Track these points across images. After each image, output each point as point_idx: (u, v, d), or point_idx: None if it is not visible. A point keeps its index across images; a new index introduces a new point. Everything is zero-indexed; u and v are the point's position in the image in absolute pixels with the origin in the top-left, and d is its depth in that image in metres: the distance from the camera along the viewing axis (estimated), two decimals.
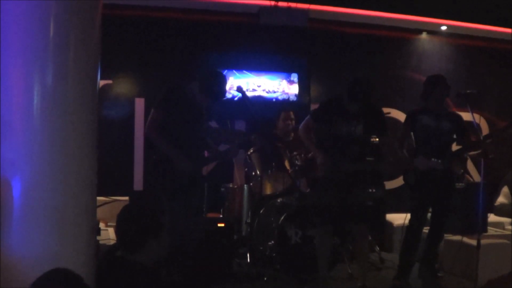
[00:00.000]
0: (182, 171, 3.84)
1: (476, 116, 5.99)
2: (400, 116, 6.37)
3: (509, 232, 5.38)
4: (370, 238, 5.43)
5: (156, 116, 3.91)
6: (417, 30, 7.03)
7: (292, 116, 5.62)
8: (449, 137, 4.51)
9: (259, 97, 6.22)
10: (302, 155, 5.06)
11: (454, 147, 4.73)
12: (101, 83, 3.03)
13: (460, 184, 5.19)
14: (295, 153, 5.12)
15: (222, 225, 4.73)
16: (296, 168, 5.06)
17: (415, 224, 4.46)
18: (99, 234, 4.26)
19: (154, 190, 4.08)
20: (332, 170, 4.15)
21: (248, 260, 4.95)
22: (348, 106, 4.19)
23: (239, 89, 4.66)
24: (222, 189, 5.52)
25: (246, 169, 5.49)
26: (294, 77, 6.38)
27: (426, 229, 4.62)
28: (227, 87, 6.12)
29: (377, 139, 4.11)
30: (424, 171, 4.34)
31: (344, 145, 4.16)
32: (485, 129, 7.01)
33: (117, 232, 2.51)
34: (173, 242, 3.23)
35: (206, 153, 4.48)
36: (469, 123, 4.87)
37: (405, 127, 4.60)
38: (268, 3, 5.96)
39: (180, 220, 3.71)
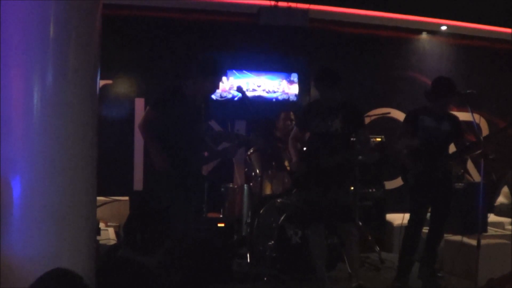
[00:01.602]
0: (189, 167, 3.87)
1: (476, 116, 5.99)
2: (400, 116, 6.37)
3: (509, 232, 5.38)
4: (370, 238, 5.44)
5: (150, 114, 3.98)
6: (417, 30, 7.03)
7: (292, 117, 5.62)
8: (448, 139, 4.50)
9: (259, 97, 6.22)
10: None
11: (451, 147, 4.73)
12: (101, 83, 3.03)
13: (460, 184, 5.18)
14: None
15: (222, 225, 4.73)
16: None
17: (414, 224, 4.45)
18: (99, 234, 4.26)
19: (157, 190, 4.05)
20: (306, 166, 4.19)
21: (248, 260, 4.95)
22: (324, 101, 4.23)
23: (239, 89, 4.65)
24: (222, 189, 5.52)
25: (246, 169, 5.49)
26: (294, 77, 6.38)
27: (425, 229, 4.62)
28: (227, 87, 6.15)
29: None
30: (423, 171, 4.34)
31: (321, 140, 4.20)
32: (485, 129, 7.02)
33: (125, 231, 2.52)
34: (175, 242, 3.24)
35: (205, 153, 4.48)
36: (469, 123, 4.86)
37: (406, 126, 4.57)
38: (268, 3, 5.96)
39: (181, 220, 3.72)
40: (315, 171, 4.19)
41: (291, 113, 5.65)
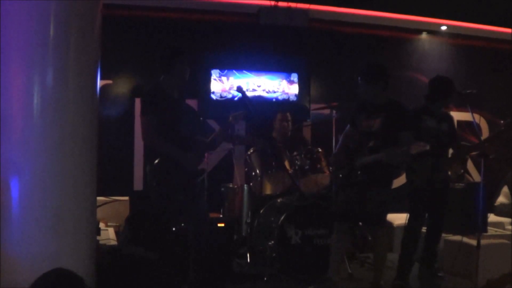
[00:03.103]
0: (188, 169, 3.84)
1: (476, 116, 5.99)
2: None
3: (509, 232, 5.37)
4: (370, 238, 5.43)
5: (148, 122, 3.86)
6: (417, 30, 7.03)
7: (289, 118, 5.61)
8: (447, 139, 4.49)
9: (259, 97, 6.22)
10: (302, 155, 5.06)
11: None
12: (101, 83, 3.03)
13: (460, 184, 5.18)
14: (295, 153, 5.12)
15: (222, 225, 4.72)
16: (296, 168, 5.06)
17: (414, 224, 4.45)
18: (99, 234, 4.26)
19: (162, 193, 3.98)
20: (346, 166, 4.13)
21: (248, 260, 4.95)
22: (366, 99, 4.12)
23: (239, 89, 4.64)
24: (222, 189, 5.52)
25: (246, 169, 5.49)
26: (294, 77, 6.38)
27: (423, 229, 4.62)
28: (227, 87, 6.15)
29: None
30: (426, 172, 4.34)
31: (363, 139, 4.09)
32: (485, 129, 7.03)
33: (130, 227, 2.53)
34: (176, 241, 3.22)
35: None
36: (469, 123, 4.86)
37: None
38: (268, 3, 5.96)
39: (190, 220, 3.74)
40: (353, 171, 4.09)
41: (287, 114, 5.63)
